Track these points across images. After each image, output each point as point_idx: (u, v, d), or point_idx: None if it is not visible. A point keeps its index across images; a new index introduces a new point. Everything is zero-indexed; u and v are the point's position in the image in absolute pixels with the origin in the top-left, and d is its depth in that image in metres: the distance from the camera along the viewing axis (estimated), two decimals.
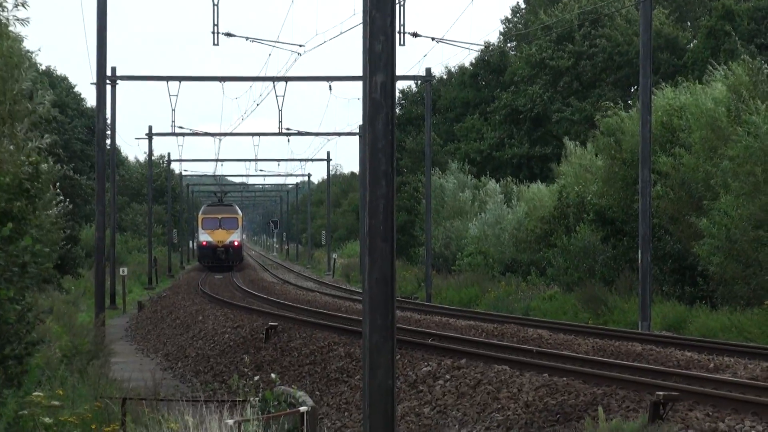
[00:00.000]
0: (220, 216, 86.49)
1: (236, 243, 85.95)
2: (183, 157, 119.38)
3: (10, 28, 18.65)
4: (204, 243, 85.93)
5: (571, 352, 24.29)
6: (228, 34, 44.13)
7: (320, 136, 75.97)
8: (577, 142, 58.47)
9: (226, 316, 38.35)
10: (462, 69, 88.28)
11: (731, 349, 24.62)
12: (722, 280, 34.44)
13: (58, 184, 24.94)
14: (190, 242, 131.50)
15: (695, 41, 68.79)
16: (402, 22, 42.47)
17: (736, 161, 33.38)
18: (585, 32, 75.19)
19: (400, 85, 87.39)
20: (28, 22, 18.72)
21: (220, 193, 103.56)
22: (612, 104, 47.53)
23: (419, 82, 78.93)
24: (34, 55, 23.79)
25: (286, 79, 50.65)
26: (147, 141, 78.55)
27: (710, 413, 15.94)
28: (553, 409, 17.71)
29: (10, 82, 17.76)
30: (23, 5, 18.79)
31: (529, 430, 17.11)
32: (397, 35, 11.05)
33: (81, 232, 60.20)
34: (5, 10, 18.67)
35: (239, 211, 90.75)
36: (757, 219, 32.76)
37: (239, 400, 13.96)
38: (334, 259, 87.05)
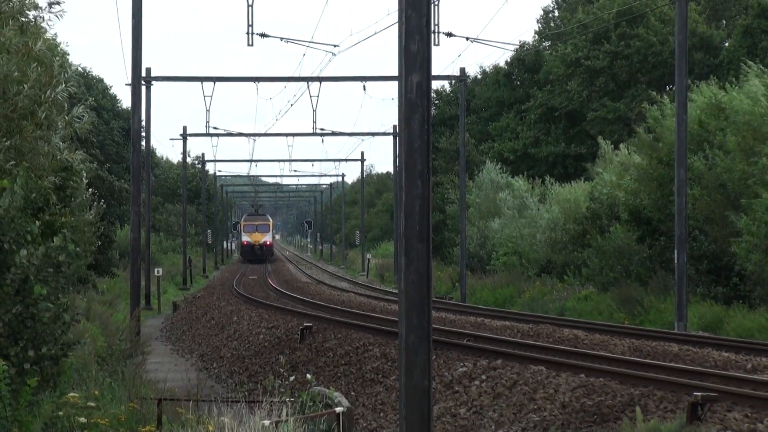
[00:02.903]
0: (256, 223, 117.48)
1: (268, 243, 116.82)
2: (217, 158, 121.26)
3: (44, 25, 18.52)
4: (245, 242, 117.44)
5: (607, 352, 24.18)
6: (262, 35, 44.12)
7: (354, 136, 76.10)
8: (609, 142, 58.13)
9: (260, 316, 38.37)
10: (497, 68, 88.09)
11: None
12: (760, 280, 34.17)
13: (89, 183, 24.87)
14: (224, 242, 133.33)
15: (730, 40, 68.34)
16: (436, 22, 42.45)
17: None
18: (621, 32, 74.80)
19: (434, 85, 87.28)
20: (62, 14, 18.52)
21: (256, 205, 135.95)
22: (653, 101, 47.05)
23: (453, 81, 78.79)
24: (67, 56, 23.72)
25: (321, 79, 50.69)
26: (182, 141, 78.84)
27: (749, 414, 15.81)
28: (590, 410, 17.61)
29: (46, 87, 17.62)
30: (57, 3, 18.66)
31: (566, 431, 17.01)
32: (432, 35, 10.98)
33: (116, 233, 60.41)
34: (38, 9, 18.56)
35: (270, 219, 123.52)
36: None
37: (275, 401, 13.93)
38: (369, 260, 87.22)
